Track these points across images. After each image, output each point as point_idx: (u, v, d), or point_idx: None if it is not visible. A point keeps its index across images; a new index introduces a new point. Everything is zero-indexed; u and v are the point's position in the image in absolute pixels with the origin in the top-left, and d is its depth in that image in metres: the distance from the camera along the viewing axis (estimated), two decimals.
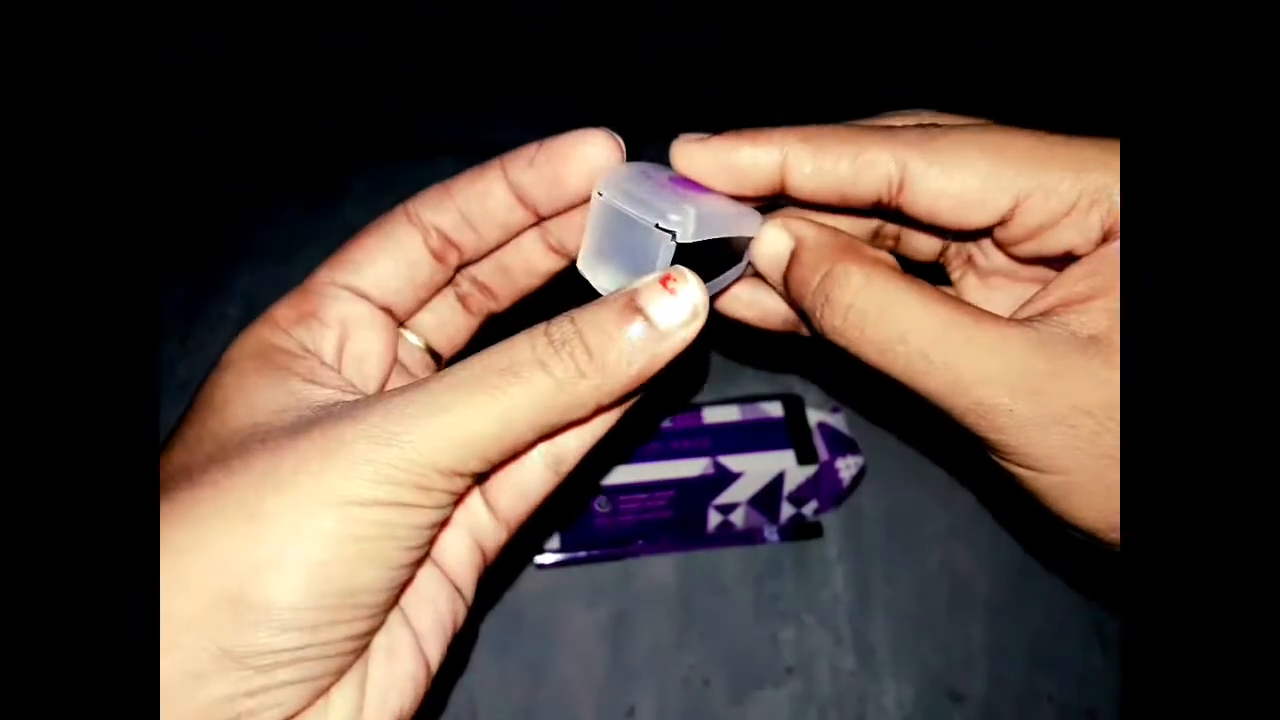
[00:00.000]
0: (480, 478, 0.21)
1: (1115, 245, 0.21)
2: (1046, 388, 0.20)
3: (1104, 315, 0.20)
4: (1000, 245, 0.24)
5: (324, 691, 0.20)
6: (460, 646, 0.33)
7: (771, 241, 0.24)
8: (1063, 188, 0.21)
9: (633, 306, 0.20)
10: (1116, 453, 0.20)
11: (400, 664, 0.21)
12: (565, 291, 0.25)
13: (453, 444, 0.19)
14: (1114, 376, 0.19)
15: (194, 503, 0.19)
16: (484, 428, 0.19)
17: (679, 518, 0.42)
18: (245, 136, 0.59)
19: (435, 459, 0.19)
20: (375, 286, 0.25)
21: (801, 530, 0.44)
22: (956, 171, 0.21)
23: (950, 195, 0.22)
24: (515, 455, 0.21)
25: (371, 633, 0.20)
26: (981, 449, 0.22)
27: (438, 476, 0.19)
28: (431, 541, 0.21)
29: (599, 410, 0.21)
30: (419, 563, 0.21)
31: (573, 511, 0.41)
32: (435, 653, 0.23)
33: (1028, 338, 0.20)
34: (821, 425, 0.44)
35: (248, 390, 0.21)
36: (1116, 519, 0.20)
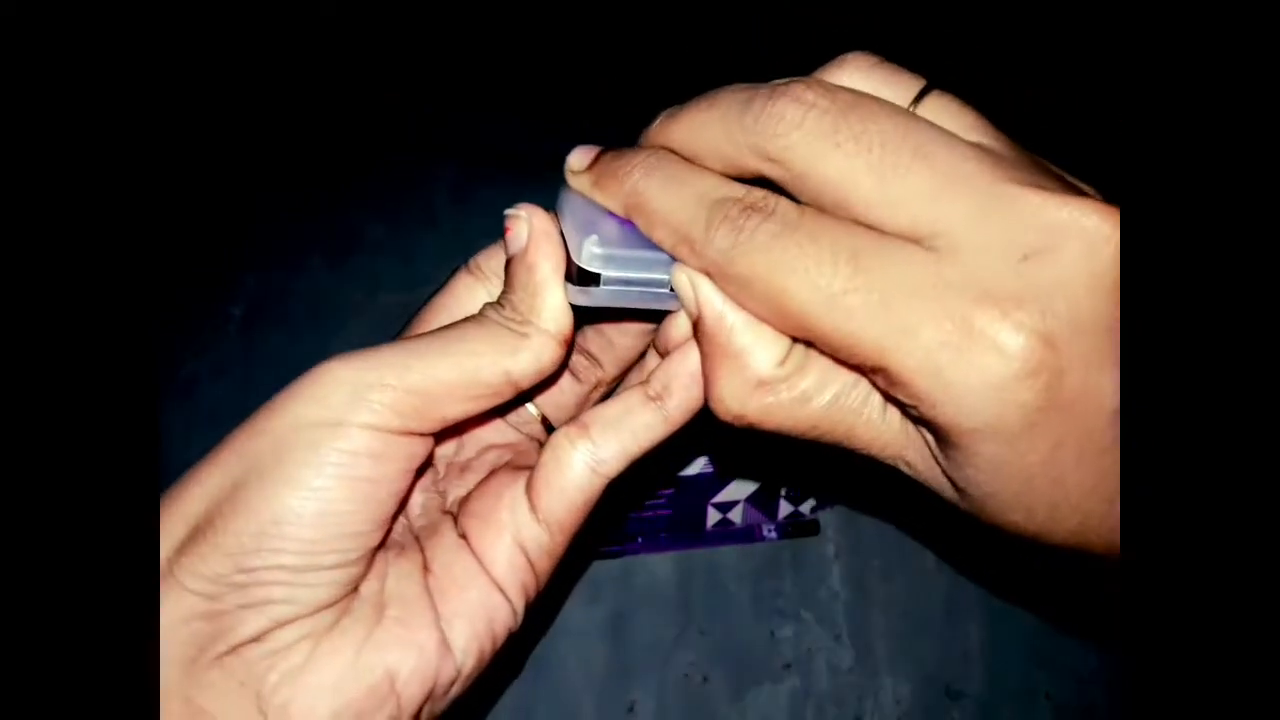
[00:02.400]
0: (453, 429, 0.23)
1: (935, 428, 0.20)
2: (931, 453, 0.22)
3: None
4: None
5: (292, 624, 0.21)
6: None
7: (681, 288, 0.23)
8: (843, 352, 0.20)
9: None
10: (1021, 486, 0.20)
11: (409, 630, 0.22)
12: None
13: (397, 354, 0.22)
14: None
15: (209, 454, 0.22)
16: (443, 364, 0.22)
17: (678, 515, 0.43)
18: (247, 137, 0.60)
19: (407, 380, 0.21)
20: None
21: (799, 528, 0.45)
22: (747, 299, 0.21)
23: (749, 312, 0.22)
24: (475, 396, 0.23)
25: (320, 570, 0.21)
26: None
27: (372, 388, 0.21)
28: (396, 487, 0.22)
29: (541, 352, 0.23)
30: (382, 506, 0.22)
31: None
32: (460, 640, 0.23)
33: (896, 430, 0.23)
34: None
35: None
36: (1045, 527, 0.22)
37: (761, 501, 0.43)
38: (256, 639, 0.20)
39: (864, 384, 0.22)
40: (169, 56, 0.59)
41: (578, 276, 0.23)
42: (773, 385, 0.22)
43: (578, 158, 0.24)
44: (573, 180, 0.24)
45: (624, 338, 0.28)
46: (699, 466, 0.41)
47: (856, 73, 0.22)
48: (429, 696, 0.22)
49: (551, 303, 0.23)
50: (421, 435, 0.22)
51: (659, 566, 0.43)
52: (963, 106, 0.21)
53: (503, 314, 0.23)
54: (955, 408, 0.19)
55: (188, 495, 0.21)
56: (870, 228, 0.20)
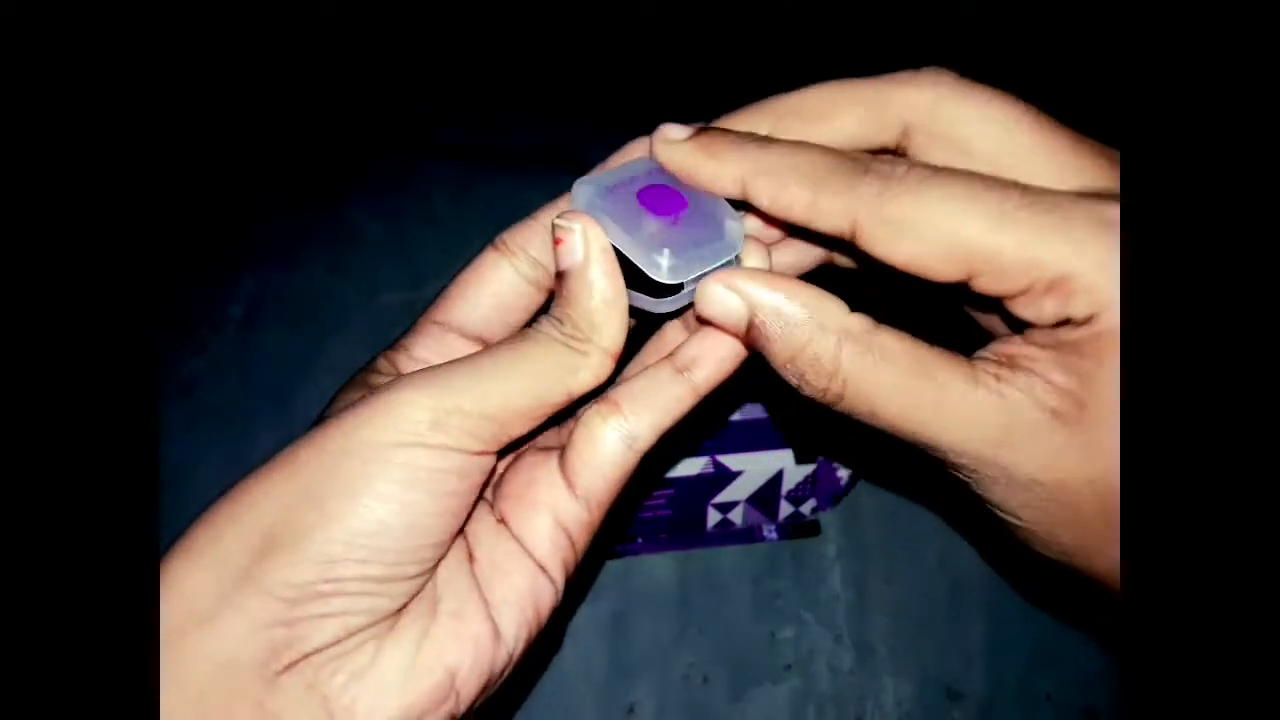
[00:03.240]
0: (515, 444, 0.23)
1: (1072, 335, 0.20)
2: (1006, 456, 0.21)
3: (1065, 392, 0.20)
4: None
5: (363, 630, 0.21)
6: None
7: (723, 302, 0.23)
8: (1016, 271, 0.20)
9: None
10: (1068, 515, 0.21)
11: (465, 625, 0.22)
12: None
13: (470, 380, 0.22)
14: (1067, 453, 0.20)
15: (264, 468, 0.22)
16: (504, 371, 0.22)
17: (678, 516, 0.43)
18: (249, 137, 0.59)
19: (483, 406, 0.22)
20: (464, 318, 0.27)
21: (800, 529, 0.45)
22: (907, 239, 0.21)
23: (900, 259, 0.21)
24: (540, 413, 0.23)
25: (402, 580, 0.21)
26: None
27: (451, 415, 0.21)
28: (470, 499, 0.23)
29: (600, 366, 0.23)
30: (458, 518, 0.22)
31: None
32: (511, 626, 0.23)
33: (991, 406, 0.21)
34: None
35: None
36: (1086, 562, 0.22)
37: (762, 502, 0.43)
38: (328, 647, 0.21)
39: (945, 355, 0.22)
40: (169, 57, 0.59)
41: (656, 290, 0.23)
42: (854, 334, 0.22)
43: (675, 129, 0.24)
44: (668, 149, 0.24)
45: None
46: (699, 467, 0.41)
47: (941, 87, 0.23)
48: (485, 688, 0.23)
49: (614, 323, 0.23)
50: (493, 454, 0.23)
51: (659, 567, 0.43)
52: (1042, 124, 0.22)
53: (562, 330, 0.23)
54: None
55: (258, 502, 0.21)
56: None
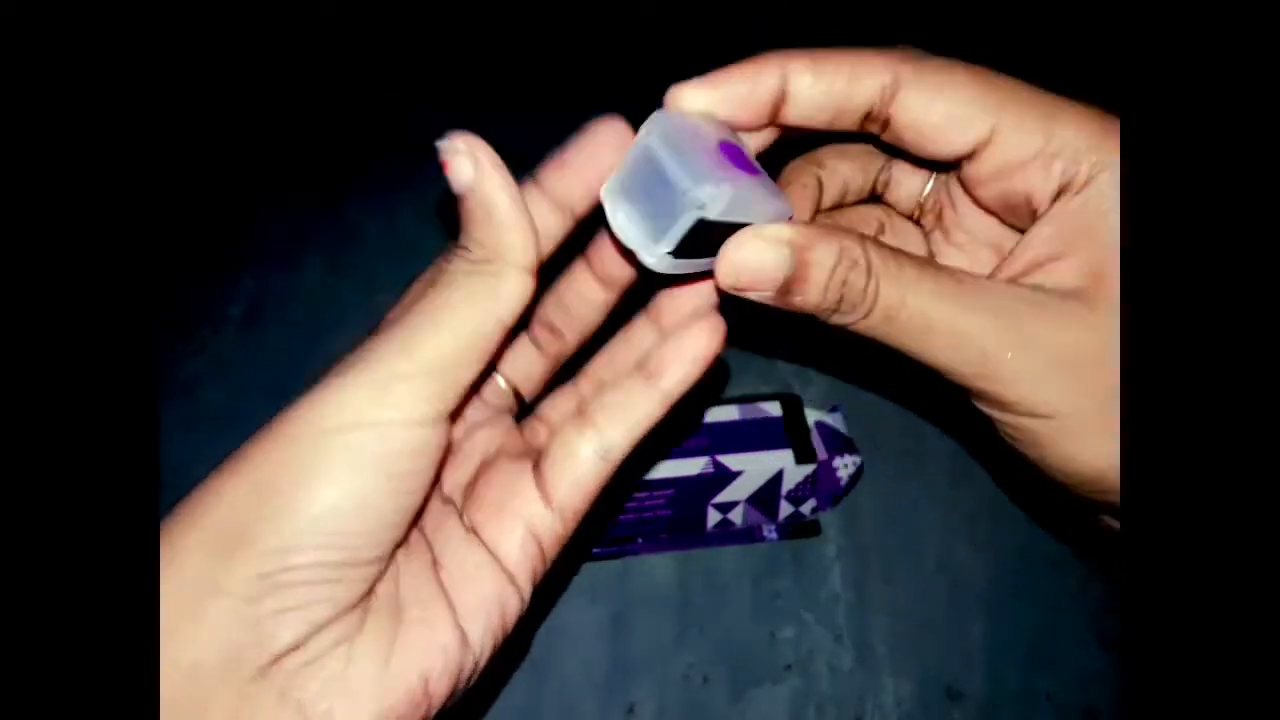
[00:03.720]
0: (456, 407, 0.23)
1: (1075, 202, 0.23)
2: (1037, 339, 0.22)
3: (1075, 272, 0.23)
4: (967, 186, 0.26)
5: (328, 626, 0.21)
6: None
7: (758, 255, 0.22)
8: (1035, 130, 0.23)
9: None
10: (1106, 395, 0.22)
11: (433, 632, 0.22)
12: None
13: (395, 343, 0.22)
14: (1095, 325, 0.22)
15: (216, 470, 0.22)
16: (425, 326, 0.22)
17: (678, 516, 0.43)
18: (247, 137, 0.59)
19: (419, 364, 0.21)
20: None
21: (800, 529, 0.45)
22: (946, 89, 0.23)
23: (936, 112, 0.24)
24: (481, 345, 0.22)
25: (359, 565, 0.21)
26: (987, 419, 0.25)
27: (394, 381, 0.21)
28: (425, 480, 0.22)
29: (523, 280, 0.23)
30: (413, 498, 0.22)
31: None
32: (478, 633, 0.23)
33: (1015, 294, 0.23)
34: (819, 424, 0.44)
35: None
36: (1114, 460, 0.23)
37: (762, 502, 0.43)
38: (296, 647, 0.20)
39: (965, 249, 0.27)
40: (169, 58, 0.59)
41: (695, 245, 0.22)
42: (884, 255, 0.23)
43: (690, 83, 0.24)
44: (697, 93, 0.24)
45: (582, 304, 0.29)
46: (699, 467, 0.41)
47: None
48: (453, 693, 0.23)
49: (519, 235, 0.22)
50: (445, 420, 0.22)
51: (659, 567, 0.43)
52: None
53: (471, 259, 0.23)
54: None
55: (210, 505, 0.21)
56: None
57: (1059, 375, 0.22)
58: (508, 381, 0.29)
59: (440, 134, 0.22)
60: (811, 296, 0.23)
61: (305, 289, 0.52)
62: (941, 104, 0.24)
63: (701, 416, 0.43)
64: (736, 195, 0.21)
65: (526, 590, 0.24)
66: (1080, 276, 0.23)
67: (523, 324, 0.28)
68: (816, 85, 0.24)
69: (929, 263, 0.23)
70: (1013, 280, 0.24)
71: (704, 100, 0.24)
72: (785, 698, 0.41)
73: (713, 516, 0.43)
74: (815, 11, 0.64)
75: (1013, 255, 0.25)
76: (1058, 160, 0.23)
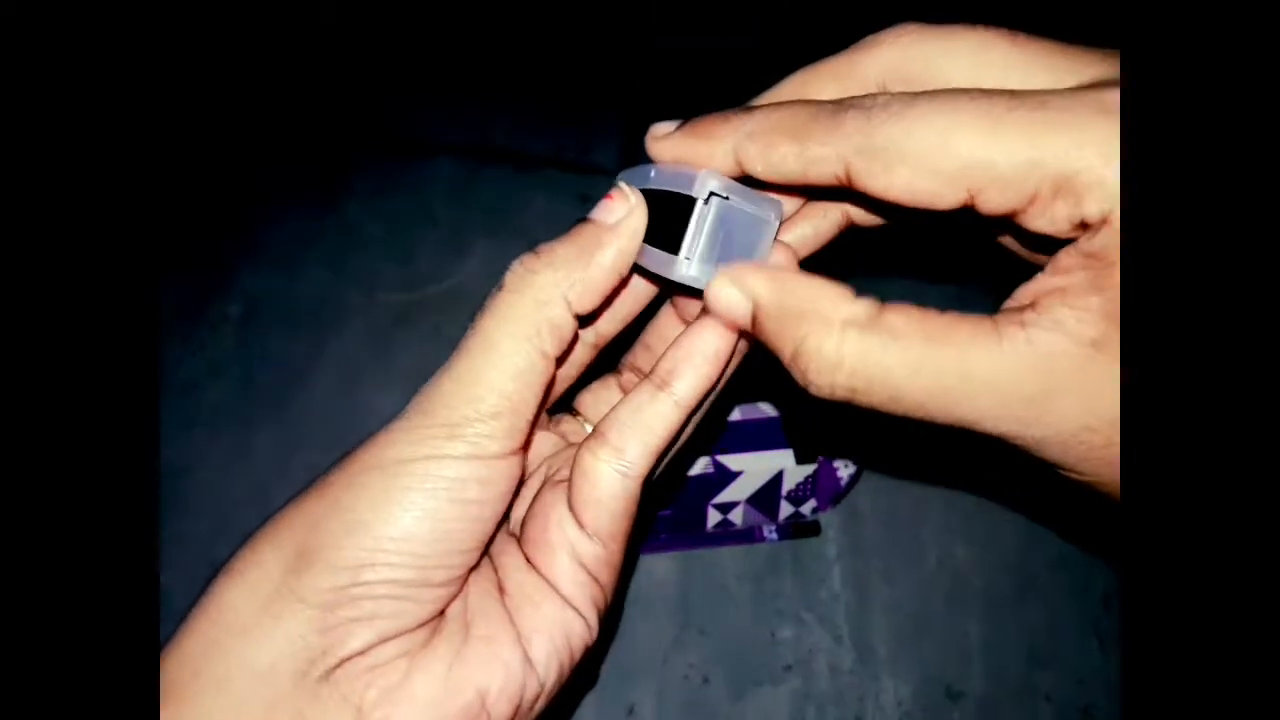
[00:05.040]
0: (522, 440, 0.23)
1: (1104, 237, 0.19)
2: (1050, 413, 0.19)
3: (1101, 316, 0.19)
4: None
5: (394, 639, 0.22)
6: None
7: (727, 298, 0.22)
8: (1017, 179, 0.19)
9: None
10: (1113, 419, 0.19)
11: (496, 649, 0.23)
12: None
13: (459, 388, 0.22)
14: (1115, 386, 0.19)
15: (298, 494, 0.23)
16: (480, 366, 0.22)
17: (678, 516, 0.43)
18: (249, 137, 0.59)
19: (456, 410, 0.22)
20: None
21: (800, 529, 0.45)
22: (899, 167, 0.20)
23: (897, 191, 0.20)
24: (532, 379, 0.23)
25: (430, 587, 0.22)
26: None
27: (464, 423, 0.22)
28: (497, 509, 0.23)
29: (581, 309, 0.23)
30: (484, 526, 0.23)
31: None
32: (542, 655, 0.23)
33: (1021, 360, 0.19)
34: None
35: None
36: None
37: (762, 502, 0.43)
38: (361, 653, 0.21)
39: (964, 321, 0.20)
40: (169, 57, 0.59)
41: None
42: (859, 322, 0.20)
43: (663, 125, 0.24)
44: (658, 145, 0.24)
45: (664, 345, 0.27)
46: (700, 467, 0.41)
47: (903, 38, 0.23)
48: (516, 713, 0.23)
49: (591, 282, 0.23)
50: (515, 453, 0.23)
51: (659, 566, 0.43)
52: (1013, 41, 0.21)
53: (527, 266, 0.23)
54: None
55: (289, 524, 0.22)
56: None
57: (1080, 445, 0.20)
58: (592, 424, 0.29)
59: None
60: (781, 356, 0.22)
61: (304, 289, 0.52)
62: (900, 184, 0.20)
63: (728, 414, 0.42)
64: (728, 183, 0.23)
65: (590, 616, 0.24)
66: (1102, 325, 0.19)
67: (611, 368, 0.30)
68: (768, 171, 0.22)
69: (918, 342, 0.20)
70: (1029, 311, 0.20)
71: (675, 157, 0.24)
72: (785, 698, 0.41)
73: (713, 516, 0.43)
74: (815, 13, 0.64)
75: (1028, 286, 0.21)
76: (1059, 203, 0.19)
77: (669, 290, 0.27)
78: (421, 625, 0.22)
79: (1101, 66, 0.20)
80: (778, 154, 0.22)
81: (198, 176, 0.57)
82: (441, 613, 0.23)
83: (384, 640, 0.21)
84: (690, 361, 0.24)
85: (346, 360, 0.49)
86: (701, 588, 0.43)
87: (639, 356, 0.29)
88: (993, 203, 0.19)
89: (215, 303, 0.52)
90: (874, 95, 0.21)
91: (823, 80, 0.24)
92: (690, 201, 0.23)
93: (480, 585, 0.24)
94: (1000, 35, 0.21)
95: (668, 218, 0.24)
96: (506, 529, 0.26)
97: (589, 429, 0.28)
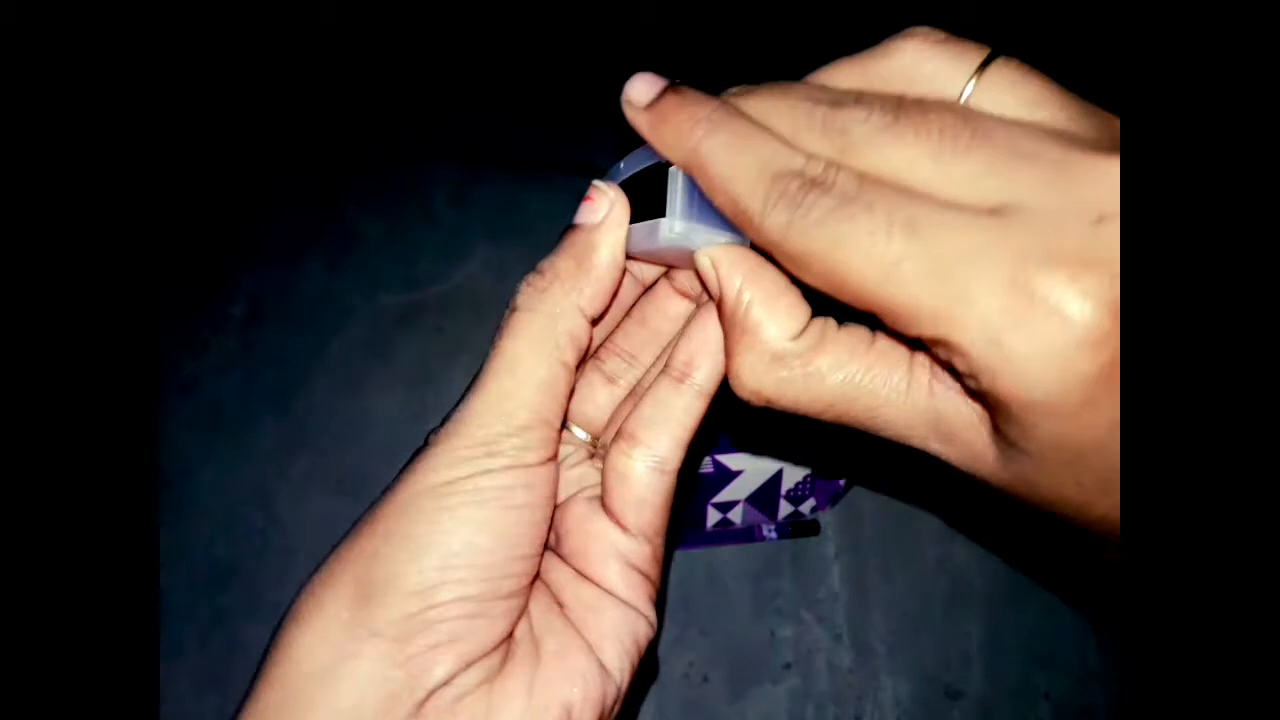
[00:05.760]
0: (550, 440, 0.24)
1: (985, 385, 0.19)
2: (954, 451, 0.21)
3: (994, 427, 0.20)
4: None
5: (477, 662, 0.22)
6: None
7: (703, 269, 0.23)
8: (906, 324, 0.19)
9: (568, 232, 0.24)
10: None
11: (570, 661, 0.23)
12: None
13: (490, 406, 0.23)
14: (1003, 461, 0.20)
15: (347, 533, 0.23)
16: (507, 384, 0.23)
17: (678, 515, 0.43)
18: (248, 138, 0.60)
19: (516, 420, 0.23)
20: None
21: (800, 528, 0.45)
22: (806, 276, 0.20)
23: (808, 283, 0.21)
24: (557, 390, 0.23)
25: (499, 599, 0.22)
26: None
27: (500, 439, 0.22)
28: (545, 509, 0.23)
29: (595, 311, 0.24)
30: (538, 529, 0.23)
31: None
32: (614, 659, 0.24)
33: (926, 412, 0.21)
34: None
35: None
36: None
37: (762, 502, 0.43)
38: (447, 682, 0.21)
39: (883, 366, 0.21)
40: (170, 60, 0.59)
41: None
42: (786, 360, 0.22)
43: (640, 90, 0.23)
44: (630, 114, 0.24)
45: (662, 320, 0.28)
46: (699, 466, 0.41)
47: (921, 47, 0.22)
48: None
49: (594, 285, 0.24)
50: (550, 461, 0.24)
51: None
52: (1027, 74, 0.20)
53: (535, 286, 0.24)
54: (1015, 379, 0.18)
55: (346, 564, 0.22)
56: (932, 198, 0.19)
57: (996, 474, 0.21)
58: (586, 430, 0.29)
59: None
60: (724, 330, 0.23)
61: (306, 289, 0.52)
62: (808, 279, 0.20)
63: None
64: None
65: (648, 611, 0.25)
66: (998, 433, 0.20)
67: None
68: (711, 199, 0.22)
69: (847, 373, 0.21)
70: (933, 369, 0.21)
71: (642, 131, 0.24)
72: (784, 697, 0.41)
73: (713, 516, 0.43)
74: (815, 13, 0.64)
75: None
76: (939, 350, 0.19)
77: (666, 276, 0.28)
78: (495, 648, 0.22)
79: (1098, 118, 0.20)
80: (718, 199, 0.22)
81: (201, 178, 0.57)
82: (510, 635, 0.23)
83: (465, 666, 0.21)
84: (706, 350, 0.24)
85: (348, 360, 0.49)
86: (701, 587, 0.43)
87: (630, 334, 0.29)
88: (892, 326, 0.20)
89: (217, 303, 0.52)
90: (821, 179, 0.20)
91: (846, 80, 0.23)
92: (663, 170, 0.23)
93: (540, 604, 0.24)
94: (1012, 68, 0.21)
95: (647, 196, 0.24)
96: (549, 543, 0.27)
97: (579, 433, 0.28)
